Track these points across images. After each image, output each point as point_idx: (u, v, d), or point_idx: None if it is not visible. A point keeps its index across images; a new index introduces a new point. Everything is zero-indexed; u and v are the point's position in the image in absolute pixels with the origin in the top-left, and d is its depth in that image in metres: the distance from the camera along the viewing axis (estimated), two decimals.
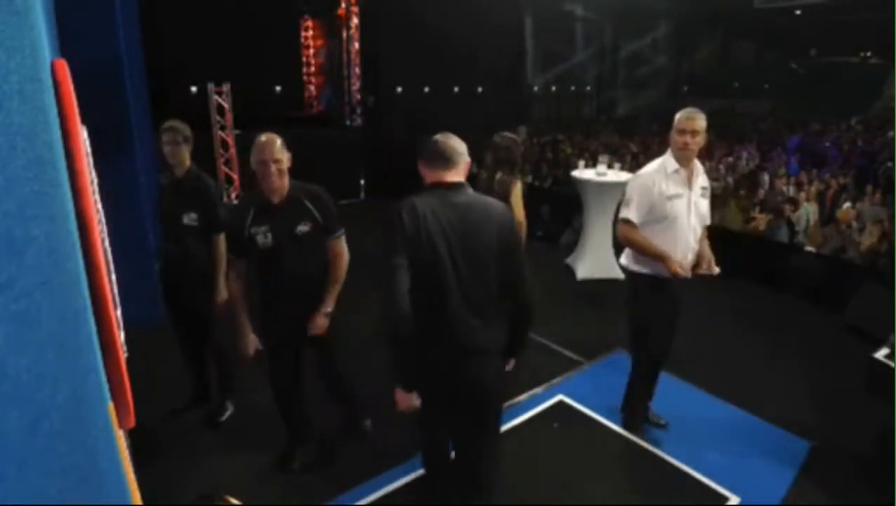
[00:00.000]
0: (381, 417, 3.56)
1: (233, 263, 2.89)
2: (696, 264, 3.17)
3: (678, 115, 3.11)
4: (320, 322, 2.87)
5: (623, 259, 3.32)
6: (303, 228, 2.75)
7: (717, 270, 3.15)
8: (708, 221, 3.28)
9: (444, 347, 2.15)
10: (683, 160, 3.10)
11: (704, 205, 3.22)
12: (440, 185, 2.16)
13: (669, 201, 3.08)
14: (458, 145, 2.19)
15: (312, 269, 2.84)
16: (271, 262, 2.77)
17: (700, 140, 3.08)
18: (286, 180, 2.73)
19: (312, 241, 2.79)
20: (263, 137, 2.67)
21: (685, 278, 3.03)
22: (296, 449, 3.17)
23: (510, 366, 2.43)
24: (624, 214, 3.16)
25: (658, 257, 3.05)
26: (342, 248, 2.89)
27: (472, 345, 2.15)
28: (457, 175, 2.19)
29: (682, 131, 3.05)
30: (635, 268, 3.22)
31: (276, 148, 2.65)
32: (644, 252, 3.13)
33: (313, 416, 3.22)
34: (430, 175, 2.19)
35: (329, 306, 2.88)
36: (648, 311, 3.22)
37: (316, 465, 3.18)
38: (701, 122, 3.05)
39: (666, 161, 3.15)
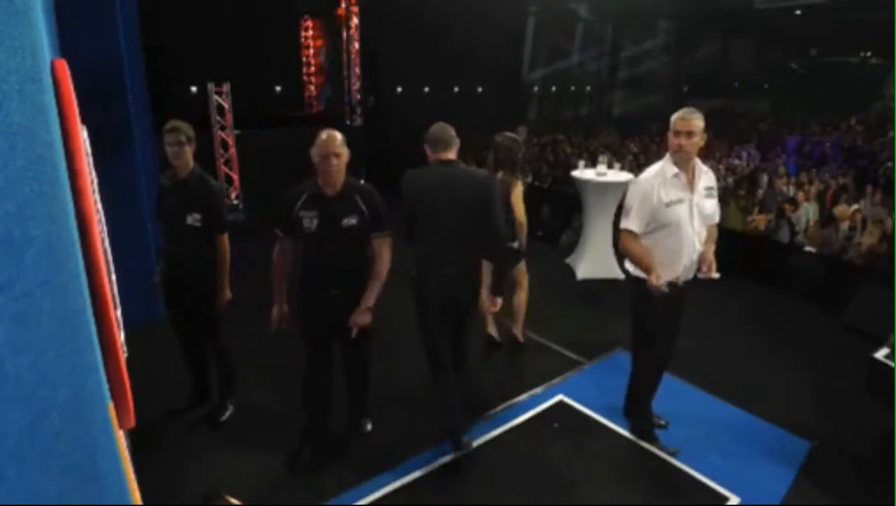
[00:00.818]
0: (382, 417, 3.56)
1: (279, 240, 2.98)
2: (698, 267, 3.12)
3: (673, 117, 3.03)
4: (361, 318, 2.94)
5: (627, 264, 3.25)
6: (350, 220, 2.85)
7: (716, 275, 3.07)
8: (716, 220, 3.20)
9: (435, 267, 3.05)
10: (682, 162, 3.02)
11: (709, 205, 3.13)
12: (439, 161, 3.04)
13: (669, 208, 3.01)
14: (452, 132, 3.06)
15: (352, 262, 2.94)
16: (313, 247, 2.89)
17: (697, 141, 2.99)
18: (343, 175, 2.83)
19: (357, 235, 2.89)
20: (325, 134, 2.78)
21: (662, 294, 2.95)
22: (303, 448, 3.20)
23: (496, 308, 3.36)
24: (624, 224, 3.10)
25: (645, 269, 2.98)
26: (386, 246, 2.98)
27: (453, 267, 3.04)
28: (451, 154, 3.06)
29: (678, 133, 2.98)
30: (639, 274, 3.13)
31: (337, 143, 2.76)
32: (636, 263, 3.08)
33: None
34: (432, 154, 3.06)
35: (370, 301, 2.96)
36: (653, 316, 3.16)
37: (317, 465, 3.19)
38: (696, 122, 2.97)
39: (665, 165, 3.07)
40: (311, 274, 2.97)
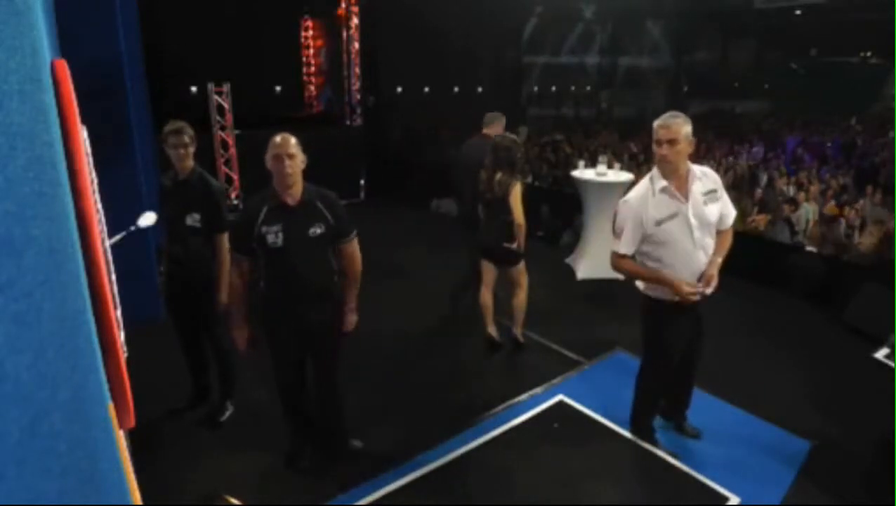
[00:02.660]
0: (382, 418, 3.57)
1: (236, 262, 2.87)
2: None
3: (654, 124, 2.82)
4: (351, 319, 2.99)
5: (638, 282, 3.11)
6: (316, 230, 2.74)
7: (708, 291, 2.93)
8: (727, 224, 3.00)
9: (466, 206, 4.76)
10: (668, 173, 2.83)
11: (713, 210, 2.91)
12: (480, 134, 4.85)
13: (662, 225, 2.84)
14: (496, 116, 4.91)
15: (320, 272, 2.82)
16: (279, 263, 2.75)
17: (682, 148, 2.77)
18: (300, 181, 2.73)
19: (324, 244, 2.79)
20: (278, 137, 2.69)
21: (697, 301, 2.88)
22: (304, 447, 3.17)
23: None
24: (615, 246, 2.95)
25: (660, 281, 2.85)
26: (356, 248, 2.93)
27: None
28: (489, 130, 4.82)
29: (658, 142, 2.78)
30: (648, 291, 3.06)
31: (291, 144, 2.67)
32: (648, 281, 2.94)
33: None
34: (482, 129, 4.88)
35: (353, 303, 2.98)
36: (663, 332, 3.09)
37: (316, 465, 3.18)
38: (678, 128, 2.75)
39: (653, 178, 2.89)
40: (277, 291, 2.81)
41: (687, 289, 2.81)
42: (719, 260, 2.98)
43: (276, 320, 2.87)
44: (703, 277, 2.93)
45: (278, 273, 2.78)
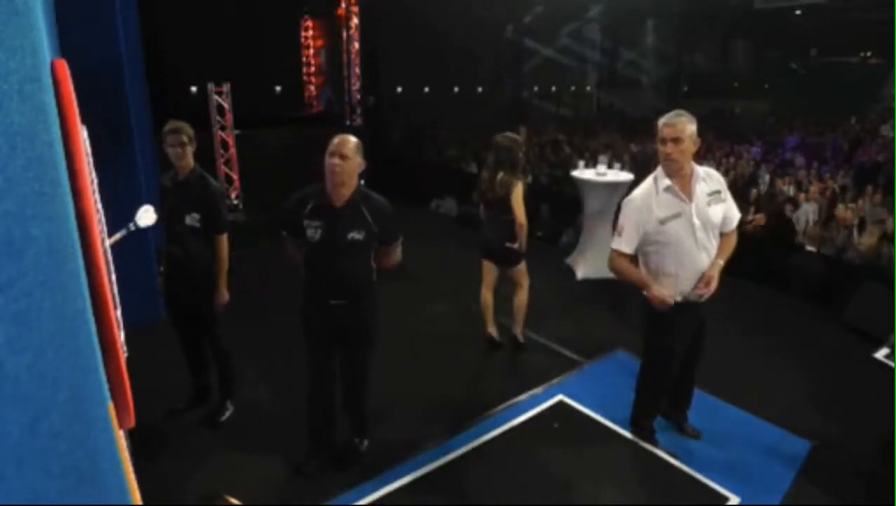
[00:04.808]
0: (383, 418, 3.56)
1: (287, 241, 2.91)
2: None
3: (659, 122, 2.80)
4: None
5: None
6: (355, 235, 2.74)
7: (707, 293, 2.91)
8: (731, 226, 3.00)
9: None
10: (673, 172, 2.82)
11: (717, 211, 2.90)
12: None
13: (666, 224, 2.83)
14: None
15: (355, 274, 2.83)
16: (316, 256, 2.81)
17: (687, 147, 2.76)
18: (350, 183, 2.73)
19: (361, 249, 2.79)
20: (337, 137, 2.70)
21: (668, 307, 2.89)
22: (315, 450, 3.14)
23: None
24: (615, 244, 2.94)
25: (641, 285, 2.87)
26: (397, 252, 2.97)
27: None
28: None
29: (663, 140, 2.77)
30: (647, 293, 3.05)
31: (346, 146, 2.67)
32: (629, 282, 2.96)
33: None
34: None
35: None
36: (665, 333, 3.08)
37: (318, 467, 3.18)
38: (682, 126, 2.74)
39: (657, 177, 2.88)
40: (313, 282, 2.88)
41: (655, 293, 2.84)
42: (721, 262, 2.96)
43: (310, 309, 2.93)
44: (702, 280, 2.93)
45: (315, 266, 2.85)
